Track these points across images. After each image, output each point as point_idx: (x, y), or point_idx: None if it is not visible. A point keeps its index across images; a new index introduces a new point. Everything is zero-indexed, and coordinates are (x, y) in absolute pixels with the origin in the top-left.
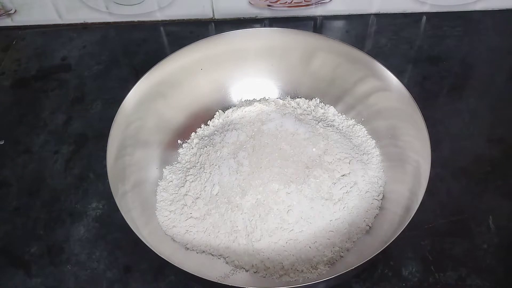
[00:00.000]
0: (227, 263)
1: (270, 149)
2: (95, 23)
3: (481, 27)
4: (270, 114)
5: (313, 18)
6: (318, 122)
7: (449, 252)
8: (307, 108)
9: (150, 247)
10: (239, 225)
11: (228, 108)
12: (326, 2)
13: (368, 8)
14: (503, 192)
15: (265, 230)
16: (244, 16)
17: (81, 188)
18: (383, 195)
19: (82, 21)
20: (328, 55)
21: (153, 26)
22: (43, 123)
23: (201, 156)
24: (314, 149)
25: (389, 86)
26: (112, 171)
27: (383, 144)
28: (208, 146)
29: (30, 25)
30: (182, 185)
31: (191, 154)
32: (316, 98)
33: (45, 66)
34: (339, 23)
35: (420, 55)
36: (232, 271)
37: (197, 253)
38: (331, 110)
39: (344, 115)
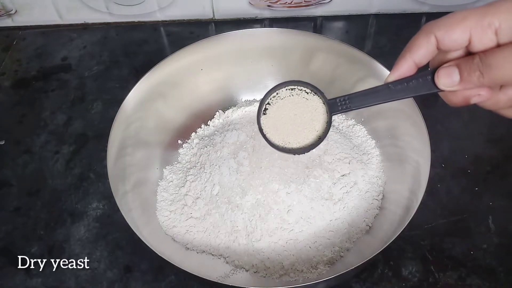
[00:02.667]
0: (227, 263)
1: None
2: (96, 23)
3: None
4: None
5: (313, 18)
6: None
7: (449, 252)
8: None
9: (150, 247)
10: (239, 225)
11: (228, 108)
12: (326, 2)
13: (368, 8)
14: (503, 192)
15: (265, 230)
16: (244, 17)
17: (82, 188)
18: (383, 195)
19: (82, 22)
20: (328, 55)
21: (153, 27)
22: (44, 123)
23: (202, 156)
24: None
25: None
26: (113, 171)
27: (383, 144)
28: (208, 146)
29: (30, 26)
30: (182, 185)
31: (191, 154)
32: None
33: (45, 66)
34: (339, 23)
35: None
36: (232, 271)
37: (197, 253)
38: None
39: (344, 115)
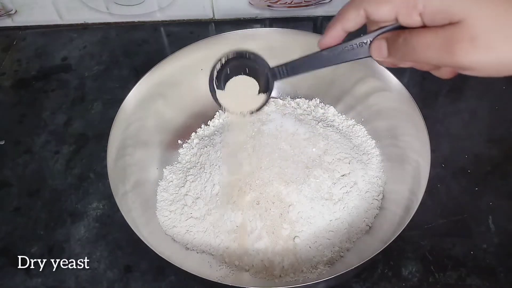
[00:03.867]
0: (227, 263)
1: (270, 149)
2: (96, 23)
3: None
4: (270, 115)
5: (313, 18)
6: (318, 122)
7: (449, 252)
8: (307, 108)
9: (150, 247)
10: (239, 225)
11: None
12: (326, 2)
13: None
14: (503, 192)
15: (265, 230)
16: (244, 17)
17: (82, 188)
18: (383, 195)
19: (82, 22)
20: None
21: (153, 27)
22: (44, 123)
23: (201, 156)
24: (314, 149)
25: (389, 86)
26: (113, 171)
27: (383, 144)
28: (208, 146)
29: (30, 26)
30: (182, 185)
31: (191, 154)
32: (316, 98)
33: (45, 66)
34: None
35: None
36: (232, 271)
37: (197, 253)
38: (331, 110)
39: (344, 115)
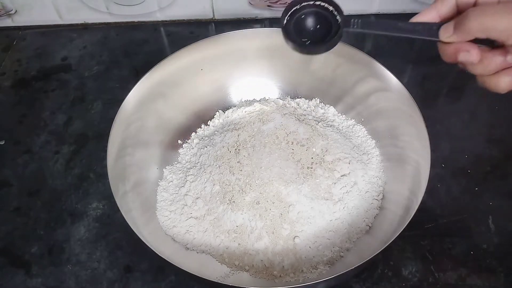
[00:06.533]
0: (227, 263)
1: (270, 149)
2: (96, 23)
3: None
4: (270, 114)
5: None
6: (318, 122)
7: (449, 252)
8: (307, 108)
9: (150, 247)
10: (239, 225)
11: (228, 108)
12: None
13: (368, 8)
14: (503, 192)
15: (265, 230)
16: (244, 17)
17: (82, 188)
18: (383, 195)
19: (82, 22)
20: (328, 55)
21: (153, 27)
22: (44, 123)
23: (202, 156)
24: (314, 149)
25: (389, 86)
26: (113, 171)
27: (383, 144)
28: (208, 146)
29: (30, 26)
30: (182, 185)
31: (191, 154)
32: (316, 98)
33: (45, 66)
34: None
35: (420, 55)
36: (232, 271)
37: (197, 253)
38: (331, 110)
39: (344, 115)
